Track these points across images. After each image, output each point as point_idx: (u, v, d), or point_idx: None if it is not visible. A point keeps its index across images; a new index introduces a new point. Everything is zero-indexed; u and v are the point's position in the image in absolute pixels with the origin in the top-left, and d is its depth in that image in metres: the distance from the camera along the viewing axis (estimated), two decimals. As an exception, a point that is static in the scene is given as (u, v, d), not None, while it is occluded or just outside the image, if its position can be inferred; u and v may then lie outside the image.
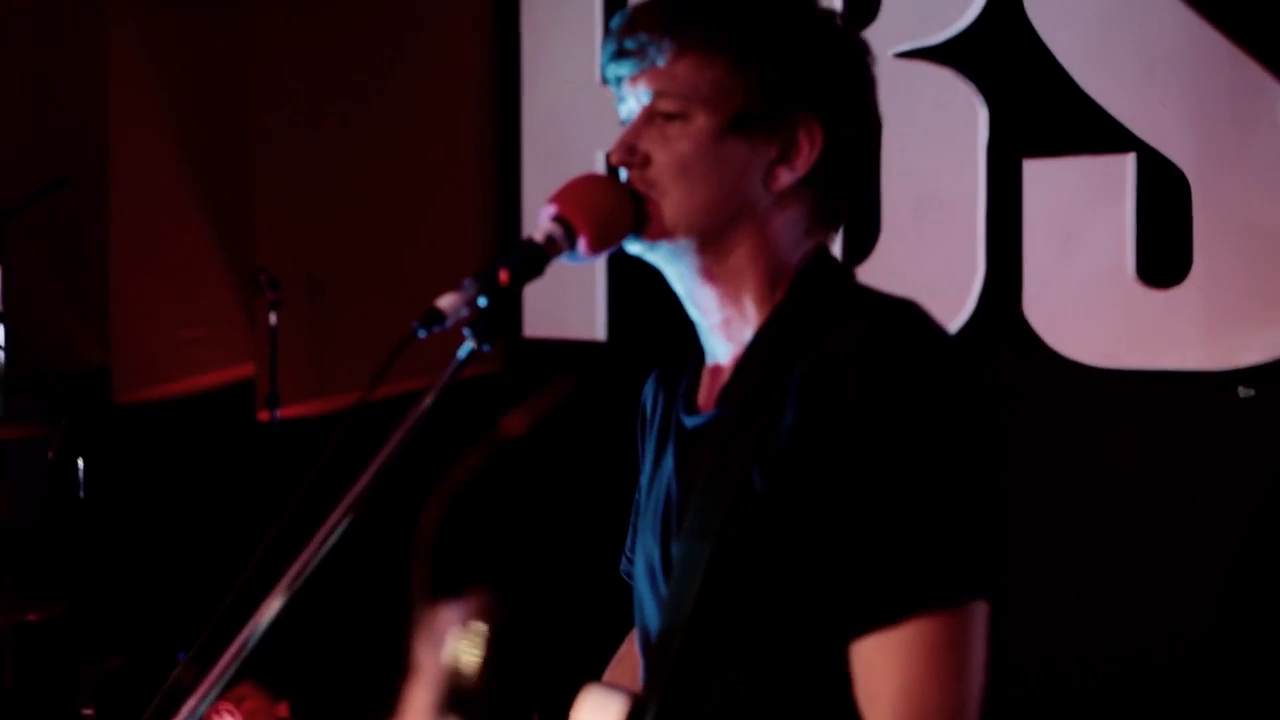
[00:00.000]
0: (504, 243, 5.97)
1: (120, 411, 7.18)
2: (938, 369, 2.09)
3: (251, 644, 2.11)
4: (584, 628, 2.66)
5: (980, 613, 2.02)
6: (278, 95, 6.87)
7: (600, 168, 5.39)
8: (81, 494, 6.59)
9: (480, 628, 1.47)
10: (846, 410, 2.05)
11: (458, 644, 1.46)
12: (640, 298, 2.56)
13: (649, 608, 2.39)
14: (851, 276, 2.35)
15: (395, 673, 1.52)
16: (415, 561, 1.48)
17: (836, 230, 2.37)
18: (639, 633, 2.46)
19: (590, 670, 2.55)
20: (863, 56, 2.32)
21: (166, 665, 6.00)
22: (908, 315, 2.15)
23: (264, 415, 6.64)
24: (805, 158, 2.26)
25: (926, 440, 2.05)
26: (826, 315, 2.19)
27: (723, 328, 2.33)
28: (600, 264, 5.38)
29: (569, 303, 5.50)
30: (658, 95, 2.24)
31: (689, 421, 2.37)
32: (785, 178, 2.27)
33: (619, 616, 2.59)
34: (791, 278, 2.29)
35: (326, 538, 2.15)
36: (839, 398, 2.07)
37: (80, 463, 6.56)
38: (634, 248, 2.30)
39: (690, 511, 2.23)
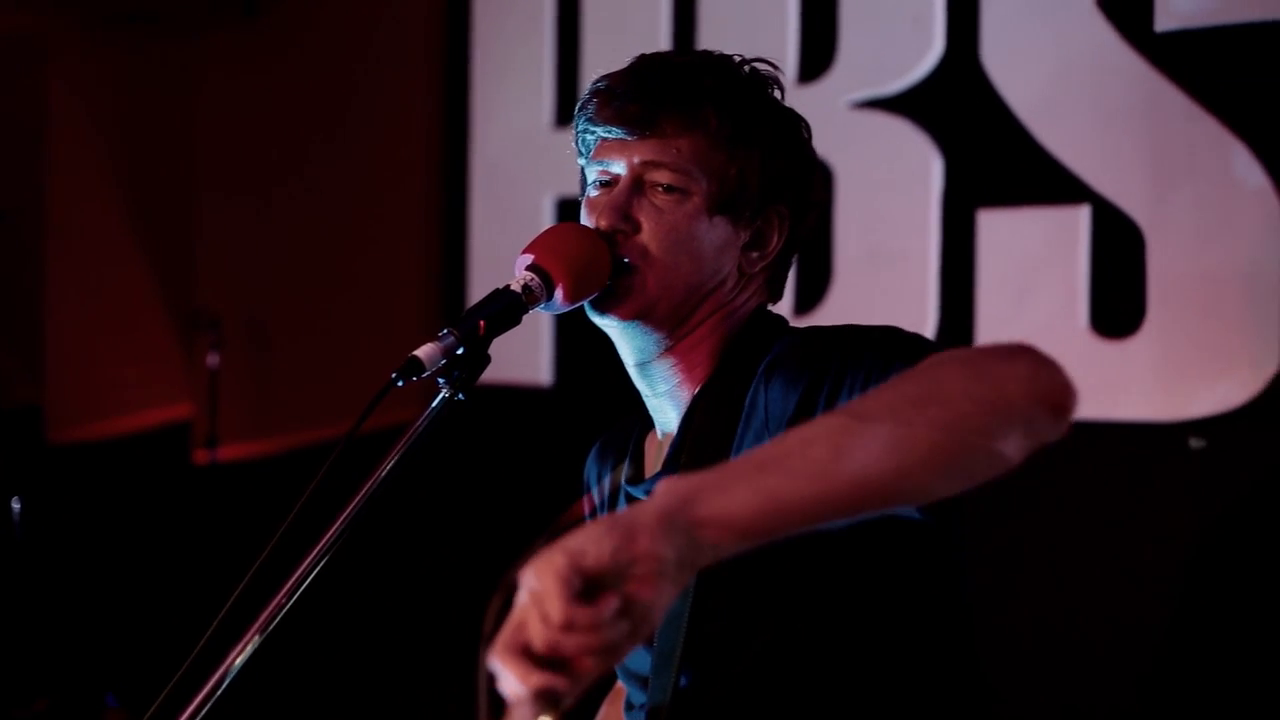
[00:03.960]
0: (449, 284, 5.93)
1: (53, 451, 7.10)
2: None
3: (221, 690, 2.10)
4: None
5: None
6: (220, 136, 6.83)
7: (548, 212, 5.38)
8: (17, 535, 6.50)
9: (547, 717, 1.44)
10: (768, 377, 2.16)
11: None
12: (587, 342, 2.57)
13: (630, 675, 2.38)
14: (785, 324, 2.42)
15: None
16: (481, 653, 1.45)
17: (780, 297, 2.48)
18: (629, 696, 2.44)
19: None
20: (816, 158, 2.46)
21: (95, 708, 5.94)
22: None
23: (201, 455, 6.59)
24: (774, 245, 2.38)
25: (840, 333, 2.17)
26: (760, 356, 2.24)
27: (670, 395, 2.38)
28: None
29: (514, 347, 5.45)
30: (657, 165, 2.29)
31: (638, 492, 2.40)
32: (755, 262, 2.37)
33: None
34: (733, 338, 2.36)
35: (299, 582, 2.14)
36: (761, 381, 2.17)
37: (15, 504, 6.47)
38: (604, 321, 2.32)
39: None
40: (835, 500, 1.62)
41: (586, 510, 2.63)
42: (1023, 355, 1.76)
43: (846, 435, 1.63)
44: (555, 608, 1.46)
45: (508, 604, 1.50)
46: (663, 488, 1.57)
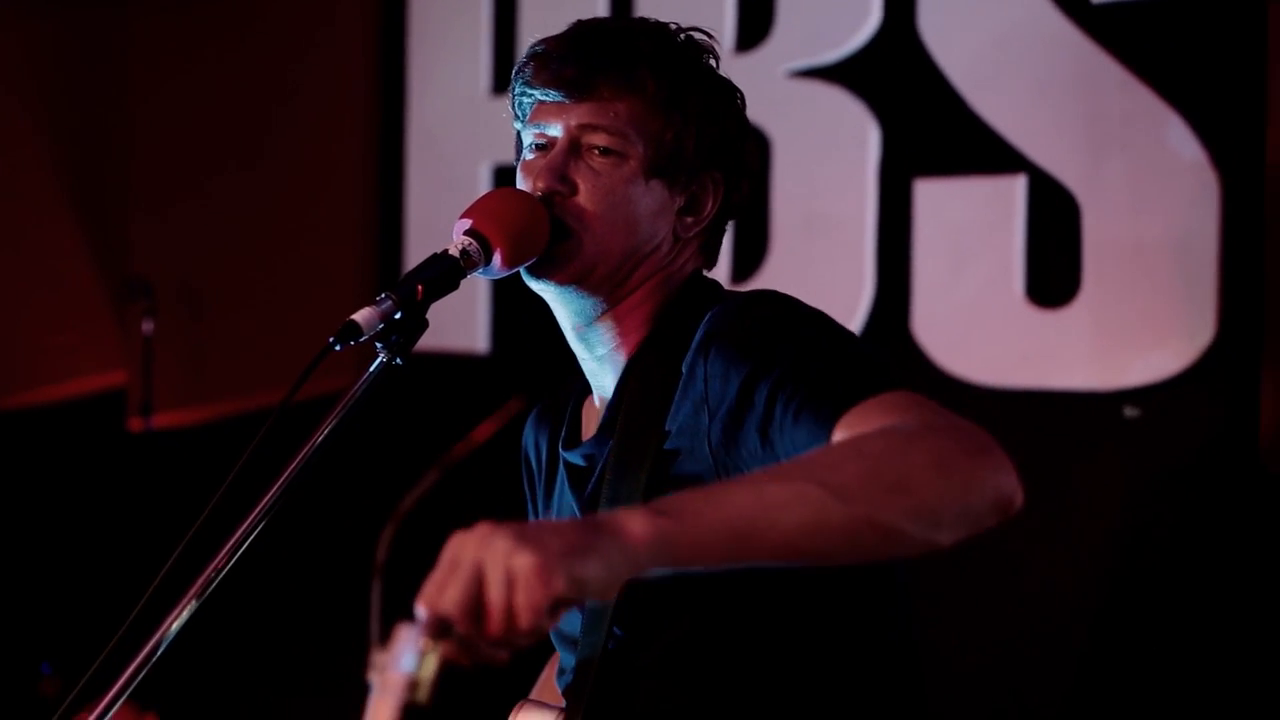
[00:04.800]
0: (385, 252, 5.91)
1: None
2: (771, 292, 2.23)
3: (160, 652, 2.10)
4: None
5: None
6: (154, 102, 6.78)
7: (485, 180, 5.37)
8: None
9: (434, 646, 1.46)
10: (707, 348, 2.15)
11: (412, 662, 1.45)
12: (524, 309, 2.59)
13: (563, 639, 2.40)
14: (720, 289, 2.44)
15: (353, 688, 1.51)
16: (372, 581, 1.47)
17: (714, 263, 2.49)
18: (560, 660, 2.47)
19: (519, 688, 2.54)
20: (750, 127, 2.49)
21: (30, 677, 5.91)
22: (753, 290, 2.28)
23: (136, 423, 6.55)
24: (709, 210, 2.39)
25: (783, 313, 2.16)
26: (696, 322, 2.24)
27: (608, 358, 2.39)
28: (484, 276, 5.35)
29: (450, 314, 5.43)
30: (594, 128, 2.30)
31: (575, 457, 2.41)
32: (690, 226, 2.38)
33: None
34: (669, 302, 2.37)
35: (234, 550, 2.13)
36: (700, 352, 2.17)
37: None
38: (540, 286, 2.33)
39: None
40: (791, 560, 1.73)
41: (525, 482, 2.64)
42: (988, 456, 1.81)
43: (822, 513, 1.70)
44: (529, 620, 1.54)
45: (402, 534, 1.54)
46: (641, 525, 1.63)
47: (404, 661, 1.47)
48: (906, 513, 1.73)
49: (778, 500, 1.70)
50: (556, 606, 1.55)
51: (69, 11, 6.94)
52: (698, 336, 2.19)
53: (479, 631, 1.54)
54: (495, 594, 1.53)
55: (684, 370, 2.20)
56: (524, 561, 1.53)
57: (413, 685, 1.47)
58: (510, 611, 1.53)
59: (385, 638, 1.50)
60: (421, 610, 1.53)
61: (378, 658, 1.48)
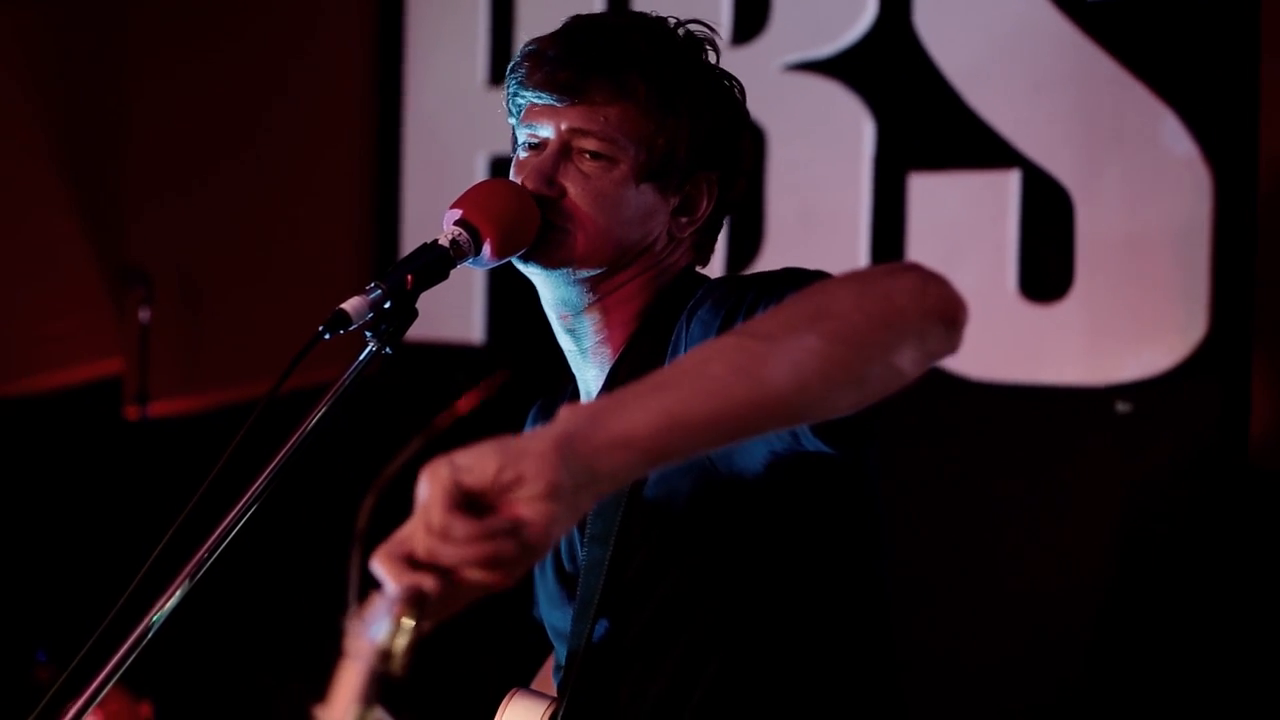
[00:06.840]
0: (382, 242, 5.91)
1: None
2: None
3: (149, 637, 2.10)
4: (511, 630, 2.70)
5: None
6: (153, 87, 6.78)
7: (481, 171, 5.37)
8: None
9: (410, 618, 1.47)
10: (689, 322, 2.18)
11: (386, 633, 1.46)
12: (520, 299, 2.60)
13: (558, 635, 2.42)
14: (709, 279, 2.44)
15: (328, 657, 1.51)
16: (351, 549, 1.47)
17: (708, 260, 2.52)
18: (555, 659, 2.48)
19: (517, 674, 2.56)
20: (749, 122, 2.49)
21: (26, 665, 5.91)
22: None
23: (132, 411, 6.56)
24: (703, 210, 2.42)
25: (754, 275, 2.21)
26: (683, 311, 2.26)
27: (595, 351, 2.41)
28: (480, 267, 5.34)
29: (446, 304, 5.44)
30: (584, 133, 2.31)
31: None
32: (685, 226, 2.41)
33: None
34: (659, 298, 2.40)
35: (223, 535, 2.14)
36: (683, 327, 2.20)
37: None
38: (529, 269, 2.34)
39: (589, 519, 2.27)
40: (735, 417, 1.61)
41: None
42: (910, 270, 1.77)
43: (743, 354, 1.63)
44: (435, 516, 1.48)
45: (380, 505, 1.53)
46: (563, 414, 1.57)
47: (375, 630, 1.47)
48: (837, 336, 1.66)
49: (700, 356, 1.65)
50: (476, 507, 1.49)
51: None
52: (682, 318, 2.21)
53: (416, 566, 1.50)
54: (417, 519, 1.51)
55: (669, 350, 2.22)
56: (430, 465, 1.51)
57: (384, 655, 1.47)
58: (427, 519, 1.49)
59: (361, 606, 1.51)
60: (394, 585, 1.52)
61: (352, 626, 1.48)
